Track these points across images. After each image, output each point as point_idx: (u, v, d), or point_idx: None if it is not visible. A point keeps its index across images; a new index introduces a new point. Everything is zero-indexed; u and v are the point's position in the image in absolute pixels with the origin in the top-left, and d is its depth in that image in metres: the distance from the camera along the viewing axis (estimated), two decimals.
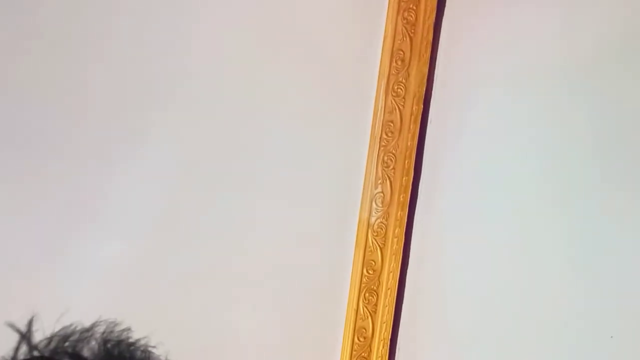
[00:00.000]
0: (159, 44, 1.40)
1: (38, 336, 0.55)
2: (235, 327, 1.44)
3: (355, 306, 1.48)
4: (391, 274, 1.46)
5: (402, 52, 1.41)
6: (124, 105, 1.40)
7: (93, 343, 0.56)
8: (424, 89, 1.42)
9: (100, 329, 0.56)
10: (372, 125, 1.44)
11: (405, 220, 1.45)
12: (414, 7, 1.39)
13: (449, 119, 1.39)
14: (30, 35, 1.35)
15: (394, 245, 1.45)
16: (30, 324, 0.54)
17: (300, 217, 1.45)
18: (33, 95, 1.37)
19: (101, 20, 1.36)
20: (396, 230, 1.44)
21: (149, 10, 1.37)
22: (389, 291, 1.46)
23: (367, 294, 1.48)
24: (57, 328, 0.55)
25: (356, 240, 1.48)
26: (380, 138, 1.43)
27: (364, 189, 1.46)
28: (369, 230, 1.45)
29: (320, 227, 1.47)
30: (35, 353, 0.54)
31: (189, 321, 1.40)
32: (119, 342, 0.57)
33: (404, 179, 1.42)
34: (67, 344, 0.55)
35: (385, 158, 1.43)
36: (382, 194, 1.44)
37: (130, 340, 0.57)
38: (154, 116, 1.39)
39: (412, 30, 1.40)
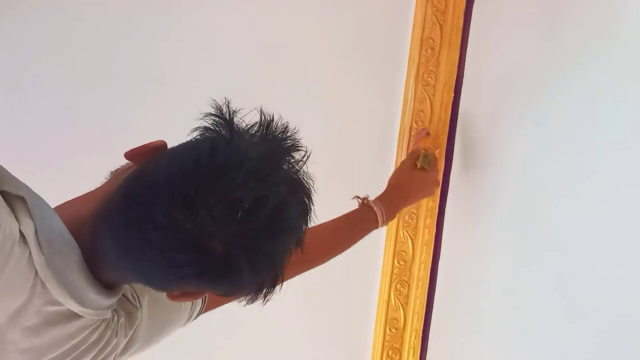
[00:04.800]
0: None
1: None
2: (269, 320, 1.45)
3: (386, 297, 1.48)
4: (422, 265, 1.45)
5: (432, 40, 1.39)
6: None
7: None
8: (455, 78, 1.40)
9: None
10: (402, 114, 1.43)
11: (437, 210, 1.43)
12: None
13: (480, 107, 1.37)
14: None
15: (425, 236, 1.43)
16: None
17: (330, 207, 1.44)
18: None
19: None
20: (427, 221, 1.43)
21: None
22: (420, 282, 1.46)
23: (398, 285, 1.47)
24: None
25: (387, 231, 1.47)
26: (411, 128, 1.41)
27: None
28: (400, 221, 1.44)
29: None
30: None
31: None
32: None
33: None
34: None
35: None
36: None
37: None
38: None
39: (442, 18, 1.37)
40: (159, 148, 0.72)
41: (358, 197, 1.20)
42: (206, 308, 0.93)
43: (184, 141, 0.71)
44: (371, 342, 1.54)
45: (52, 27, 1.39)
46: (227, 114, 0.68)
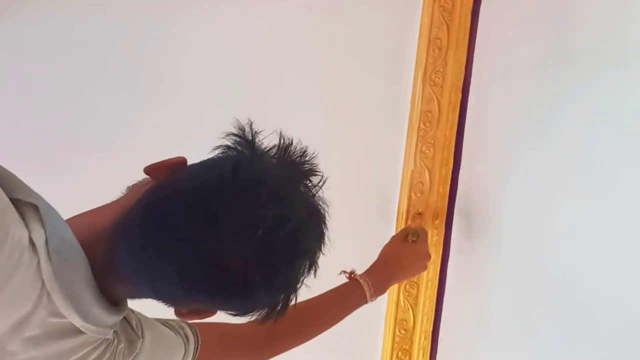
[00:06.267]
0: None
1: None
2: None
3: (395, 299, 1.48)
4: (432, 266, 1.44)
5: (439, 40, 1.38)
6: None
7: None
8: (462, 78, 1.39)
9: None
10: (410, 115, 1.43)
11: (445, 211, 1.43)
12: None
13: (488, 107, 1.36)
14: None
15: (434, 237, 1.43)
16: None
17: (338, 207, 1.44)
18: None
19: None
20: (436, 222, 1.42)
21: None
22: (429, 283, 1.45)
23: (407, 287, 1.47)
24: None
25: (395, 232, 1.46)
26: (418, 128, 1.41)
27: (402, 180, 1.45)
28: (408, 222, 1.43)
29: (359, 220, 1.46)
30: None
31: None
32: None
33: (443, 169, 1.40)
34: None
35: (424, 148, 1.42)
36: (421, 185, 1.42)
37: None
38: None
39: (449, 18, 1.37)
40: (179, 164, 0.72)
41: (345, 272, 1.18)
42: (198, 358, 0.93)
43: (205, 158, 0.71)
44: (381, 344, 1.53)
45: (53, 28, 1.40)
46: (250, 134, 0.68)
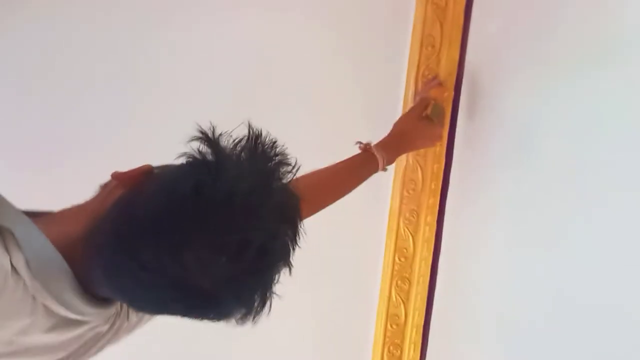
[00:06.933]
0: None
1: None
2: (270, 316, 1.46)
3: (387, 293, 1.49)
4: (423, 262, 1.46)
5: (432, 38, 1.39)
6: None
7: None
8: (455, 75, 1.40)
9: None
10: (403, 113, 1.43)
11: (437, 207, 1.44)
12: None
13: (480, 105, 1.37)
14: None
15: (426, 233, 1.44)
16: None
17: (331, 206, 1.45)
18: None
19: None
20: (428, 218, 1.44)
21: None
22: (421, 278, 1.46)
23: (399, 282, 1.48)
24: None
25: (388, 228, 1.48)
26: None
27: (395, 176, 1.46)
28: (401, 218, 1.45)
29: (352, 216, 1.47)
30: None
31: None
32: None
33: (435, 166, 1.41)
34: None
35: None
36: (413, 182, 1.43)
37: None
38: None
39: (442, 15, 1.38)
40: (145, 174, 0.73)
41: (360, 143, 1.22)
42: None
43: (171, 165, 0.71)
44: (372, 338, 1.55)
45: (53, 28, 1.40)
46: (213, 140, 0.68)
